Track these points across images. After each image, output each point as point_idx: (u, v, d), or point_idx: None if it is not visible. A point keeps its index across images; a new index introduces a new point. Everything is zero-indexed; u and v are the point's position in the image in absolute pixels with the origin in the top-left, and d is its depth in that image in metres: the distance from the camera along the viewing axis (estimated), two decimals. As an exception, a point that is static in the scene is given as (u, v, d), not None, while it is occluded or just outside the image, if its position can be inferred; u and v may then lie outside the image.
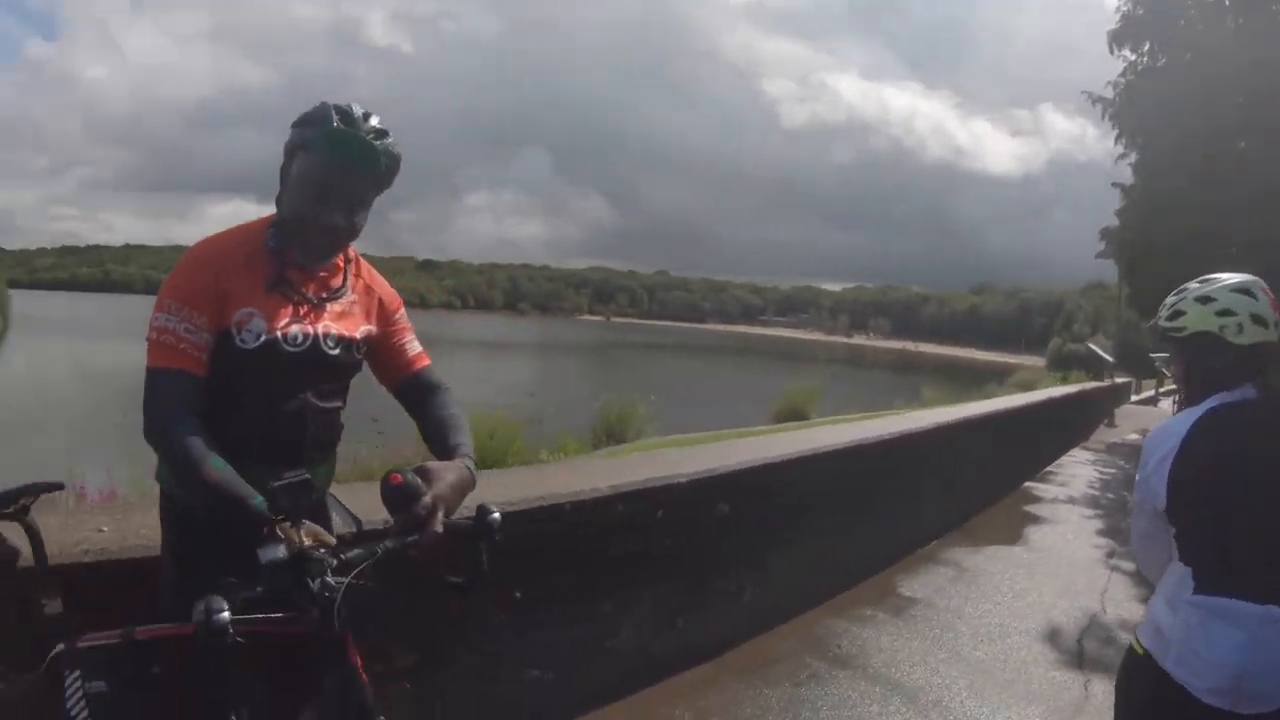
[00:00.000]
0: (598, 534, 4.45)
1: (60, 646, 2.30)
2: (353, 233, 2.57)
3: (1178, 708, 2.54)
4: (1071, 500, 12.23)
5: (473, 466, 2.49)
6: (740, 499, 5.35)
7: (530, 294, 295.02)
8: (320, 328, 2.56)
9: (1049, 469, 15.25)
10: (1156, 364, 25.77)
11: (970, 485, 10.31)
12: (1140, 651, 2.69)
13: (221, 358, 2.41)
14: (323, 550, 2.09)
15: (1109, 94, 22.90)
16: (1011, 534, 9.62)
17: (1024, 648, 5.96)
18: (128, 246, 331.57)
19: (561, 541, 4.26)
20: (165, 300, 2.40)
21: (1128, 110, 22.35)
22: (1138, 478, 2.76)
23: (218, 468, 2.22)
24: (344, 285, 2.68)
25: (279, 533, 2.09)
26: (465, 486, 2.38)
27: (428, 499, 2.19)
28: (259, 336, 2.43)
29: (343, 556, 2.08)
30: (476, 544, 2.33)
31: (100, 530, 2.98)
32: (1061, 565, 8.47)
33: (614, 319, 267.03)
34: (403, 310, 2.88)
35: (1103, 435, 23.54)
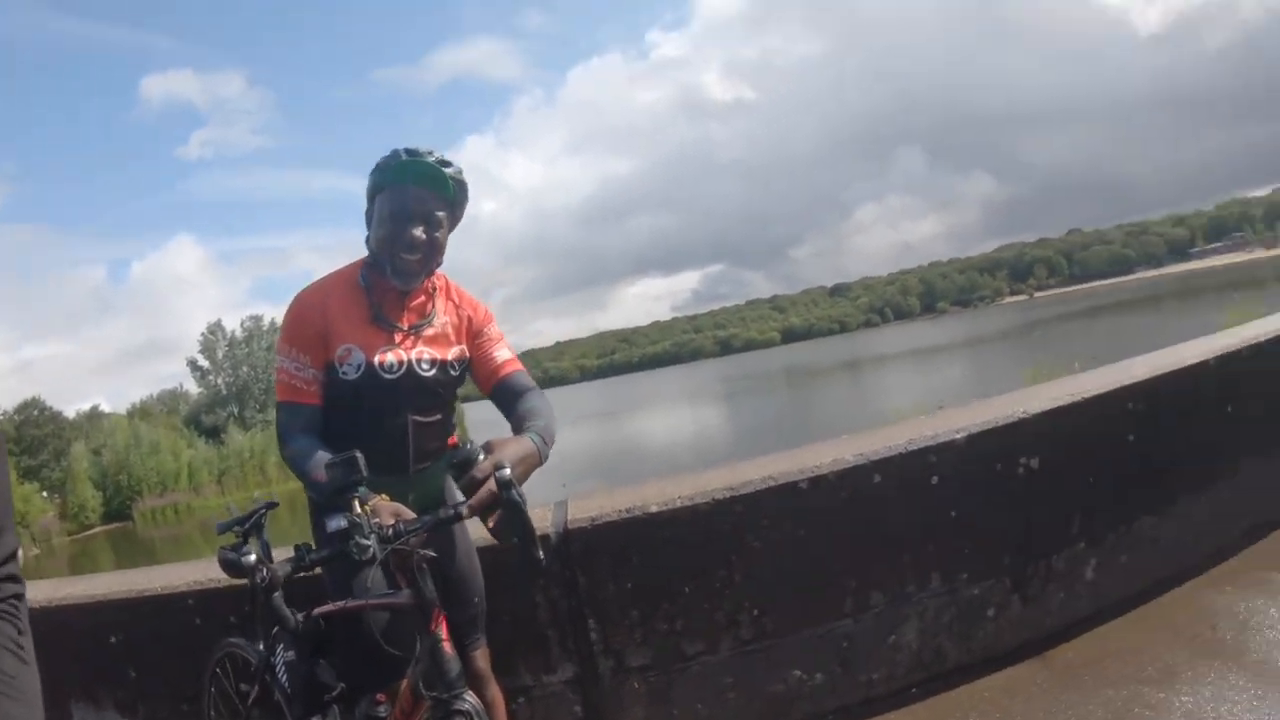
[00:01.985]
0: (849, 511, 3.84)
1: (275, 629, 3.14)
2: (434, 249, 2.93)
3: None
4: None
5: (540, 443, 2.70)
6: (1057, 449, 4.26)
7: (945, 291, 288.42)
8: (414, 353, 2.95)
9: None
10: None
11: None
12: None
13: (332, 387, 2.89)
14: (393, 523, 2.40)
15: None
16: None
17: None
18: (558, 344, 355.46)
19: (800, 522, 3.77)
20: (280, 345, 2.94)
21: None
22: None
23: (309, 463, 2.70)
24: (433, 311, 3.04)
25: (352, 506, 2.36)
26: (529, 459, 2.61)
27: (485, 463, 2.41)
28: (359, 368, 2.88)
29: (401, 527, 2.38)
30: (508, 507, 2.39)
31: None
32: None
33: (1036, 295, 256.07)
34: (492, 324, 3.17)
35: None
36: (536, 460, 2.64)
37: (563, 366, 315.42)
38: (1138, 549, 4.63)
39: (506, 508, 2.40)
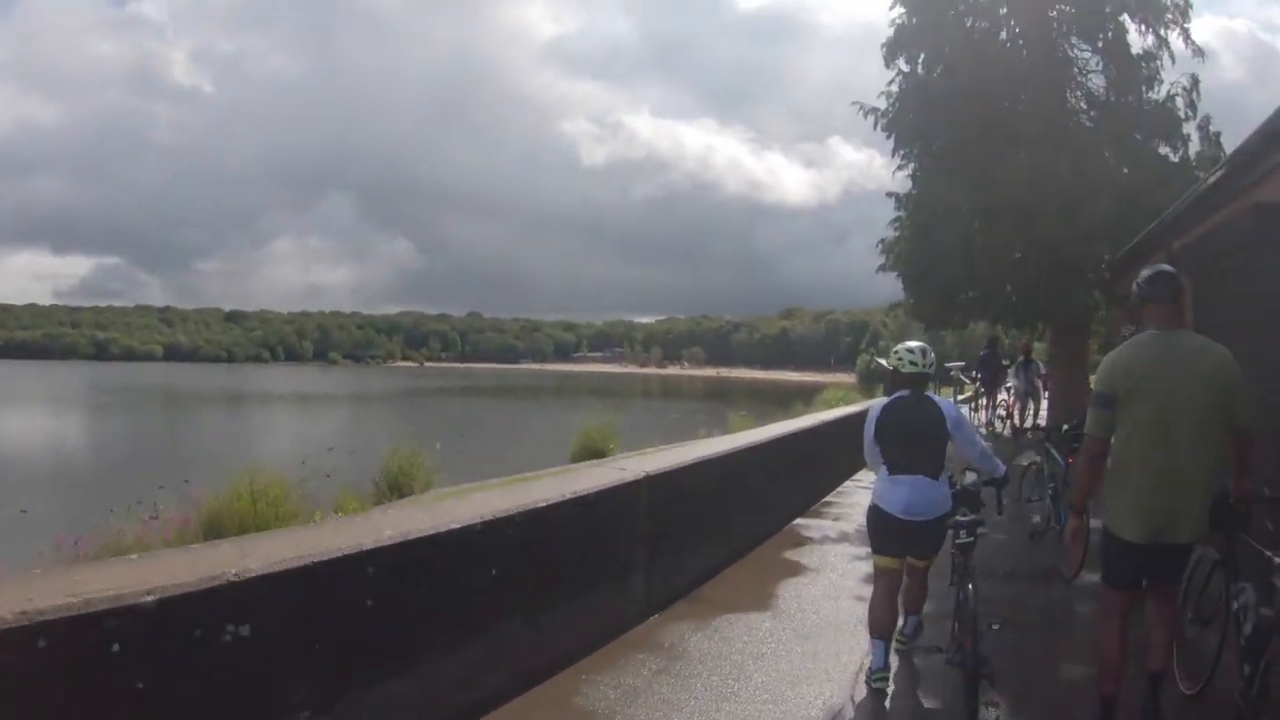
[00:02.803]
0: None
1: None
2: None
3: (885, 519, 6.05)
4: (845, 538, 10.85)
5: None
6: (276, 615, 3.85)
7: (341, 343, 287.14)
8: None
9: (828, 499, 13.73)
10: (952, 373, 26.44)
11: (712, 537, 8.88)
12: (872, 505, 6.19)
13: None
14: None
15: (882, 104, 23.23)
16: (757, 595, 8.13)
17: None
18: None
19: None
20: None
21: (902, 119, 22.69)
22: (865, 425, 6.28)
23: None
24: None
25: None
26: None
27: None
28: None
29: None
30: None
31: None
32: (812, 635, 7.08)
33: (427, 364, 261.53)
34: None
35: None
36: None
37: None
38: (381, 711, 4.36)
39: None
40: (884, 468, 6.13)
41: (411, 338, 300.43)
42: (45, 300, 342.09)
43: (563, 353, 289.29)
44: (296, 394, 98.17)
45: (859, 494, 13.63)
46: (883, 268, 24.63)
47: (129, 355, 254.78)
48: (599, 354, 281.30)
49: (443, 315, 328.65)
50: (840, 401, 30.71)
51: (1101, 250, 20.35)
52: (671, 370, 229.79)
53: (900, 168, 23.62)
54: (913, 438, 6.03)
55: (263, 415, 71.29)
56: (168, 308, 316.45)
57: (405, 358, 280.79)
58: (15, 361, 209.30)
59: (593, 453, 24.01)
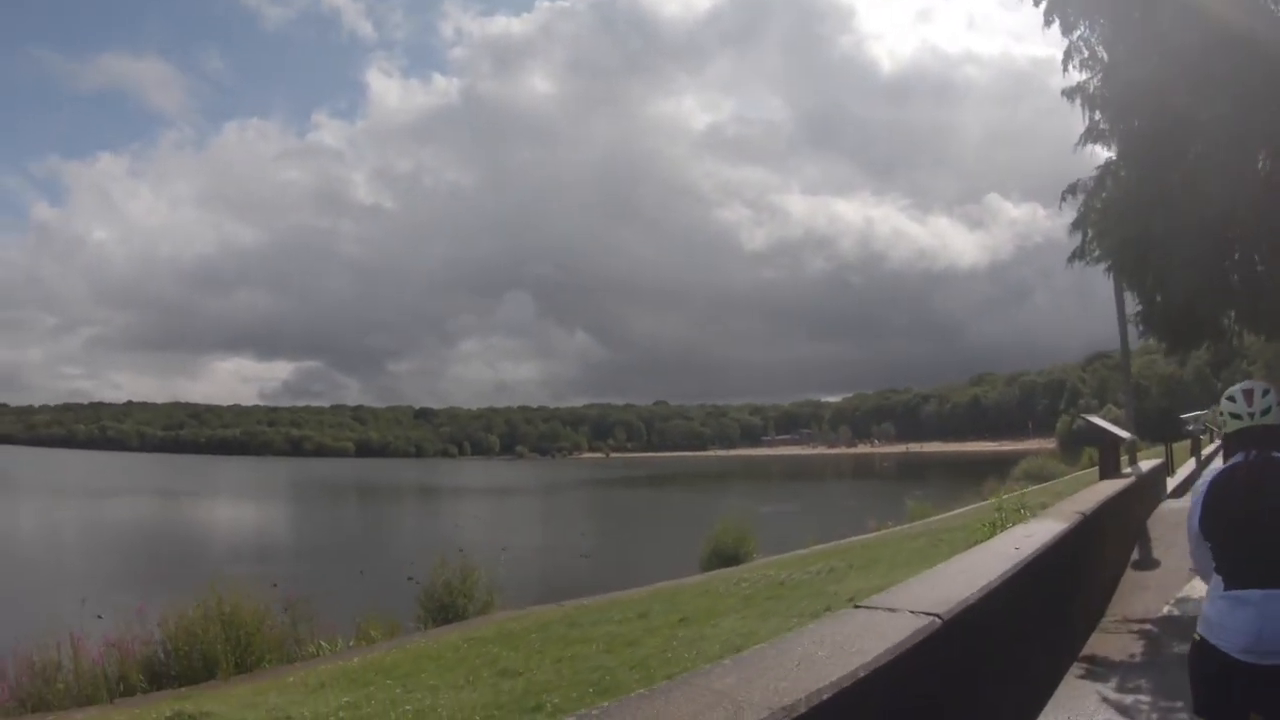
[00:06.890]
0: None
1: None
2: None
3: (1216, 661, 3.83)
4: None
5: None
6: None
7: (527, 436, 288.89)
8: None
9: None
10: (1189, 426, 21.41)
11: None
12: (1198, 638, 3.99)
13: None
14: None
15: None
16: None
17: None
18: (130, 403, 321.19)
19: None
20: None
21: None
22: (1189, 510, 4.19)
23: None
24: None
25: None
26: None
27: None
28: None
29: None
30: None
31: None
32: None
33: (613, 454, 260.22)
34: None
35: (1135, 597, 11.19)
36: None
37: (124, 429, 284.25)
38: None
39: None
40: (1217, 578, 4.09)
41: (598, 429, 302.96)
42: (251, 400, 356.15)
43: (750, 437, 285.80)
44: (467, 488, 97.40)
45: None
46: (1079, 254, 13.47)
47: (321, 451, 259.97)
48: (787, 436, 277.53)
49: (628, 405, 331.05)
50: (1026, 490, 20.39)
51: None
52: (861, 449, 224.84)
53: (1087, 61, 11.99)
54: (1262, 527, 3.94)
55: (448, 506, 71.49)
56: (360, 406, 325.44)
57: (591, 449, 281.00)
58: (216, 456, 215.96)
59: (727, 559, 21.92)
